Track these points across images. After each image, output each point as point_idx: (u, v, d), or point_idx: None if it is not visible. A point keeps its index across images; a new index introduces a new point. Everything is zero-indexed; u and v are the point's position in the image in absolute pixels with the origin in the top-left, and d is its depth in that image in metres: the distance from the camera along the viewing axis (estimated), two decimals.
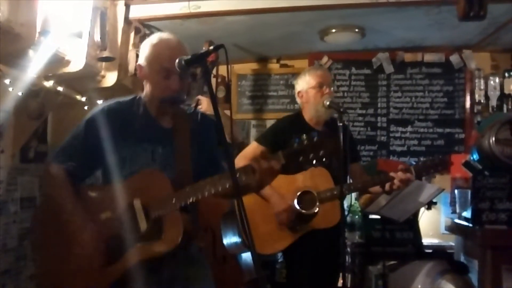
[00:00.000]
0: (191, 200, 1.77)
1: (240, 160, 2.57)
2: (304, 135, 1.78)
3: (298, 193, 2.76)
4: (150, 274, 1.81)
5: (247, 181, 1.76)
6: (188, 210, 1.84)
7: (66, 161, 1.88)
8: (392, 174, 2.62)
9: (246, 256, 3.28)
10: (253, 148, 2.92)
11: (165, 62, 1.82)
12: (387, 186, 2.64)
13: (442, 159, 2.65)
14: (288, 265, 2.94)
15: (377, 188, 2.77)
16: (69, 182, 1.87)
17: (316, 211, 2.72)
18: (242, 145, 3.09)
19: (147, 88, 1.94)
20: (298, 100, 3.04)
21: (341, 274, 2.82)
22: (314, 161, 1.75)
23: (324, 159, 1.76)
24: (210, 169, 1.94)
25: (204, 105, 3.28)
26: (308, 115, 2.93)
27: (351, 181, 2.89)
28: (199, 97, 3.33)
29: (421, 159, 4.35)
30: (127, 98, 2.02)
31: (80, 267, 1.80)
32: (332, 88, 2.93)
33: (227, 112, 4.08)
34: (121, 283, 1.78)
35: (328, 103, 2.76)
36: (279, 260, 3.87)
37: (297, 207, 2.74)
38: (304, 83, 2.95)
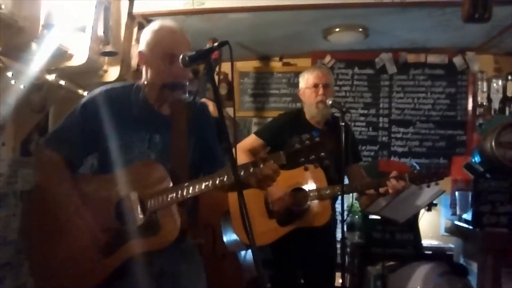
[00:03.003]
0: (189, 195, 1.75)
1: (238, 151, 2.57)
2: (307, 135, 1.77)
3: (291, 189, 2.76)
4: (141, 267, 1.78)
5: (247, 180, 1.76)
6: (185, 204, 1.81)
7: (60, 146, 1.85)
8: (384, 179, 2.61)
9: (247, 254, 3.28)
10: (251, 140, 2.93)
11: (168, 47, 1.81)
12: (381, 190, 2.64)
13: (437, 169, 2.65)
14: (276, 261, 2.91)
15: (372, 191, 2.77)
16: (65, 167, 1.83)
17: (306, 208, 2.73)
18: None
19: (147, 74, 1.90)
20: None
21: (340, 274, 2.83)
22: (314, 162, 1.76)
23: (324, 160, 1.76)
24: (207, 159, 1.94)
25: (210, 108, 3.28)
26: (308, 114, 2.93)
27: (347, 182, 2.90)
28: (204, 100, 3.32)
29: (422, 160, 4.37)
30: (124, 83, 1.99)
31: (75, 257, 1.76)
32: (330, 89, 2.91)
33: (230, 110, 4.08)
34: (112, 276, 1.76)
35: (330, 102, 2.76)
36: None
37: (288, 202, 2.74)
38: (303, 82, 2.97)
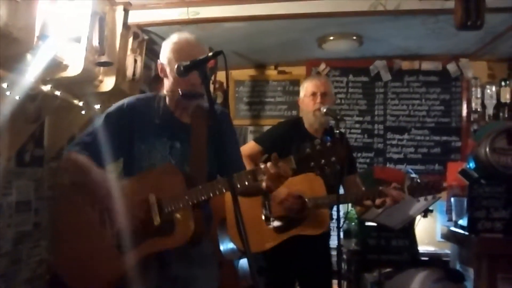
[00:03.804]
0: (203, 198, 1.81)
1: None
2: (317, 139, 1.79)
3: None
4: (157, 269, 1.87)
5: (256, 184, 1.82)
6: (201, 207, 1.88)
7: (83, 152, 1.91)
8: (385, 189, 2.62)
9: (243, 262, 3.28)
10: (250, 147, 2.94)
11: (184, 58, 1.84)
12: (377, 201, 2.65)
13: (436, 182, 2.66)
14: (269, 268, 2.88)
15: (368, 202, 2.77)
16: (91, 160, 1.90)
17: (305, 216, 2.73)
18: None
19: (167, 85, 1.99)
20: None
21: (336, 281, 2.83)
22: (325, 167, 1.77)
23: (335, 166, 1.77)
24: (227, 165, 1.97)
25: None
26: (306, 122, 2.94)
27: (344, 191, 2.90)
28: None
29: (418, 166, 4.38)
30: (148, 94, 2.11)
31: (95, 253, 1.86)
32: (329, 98, 2.91)
33: None
34: (129, 275, 1.81)
35: (324, 110, 2.77)
36: None
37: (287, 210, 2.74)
38: (302, 91, 2.98)
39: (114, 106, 2.02)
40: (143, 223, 1.83)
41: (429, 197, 2.71)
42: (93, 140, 1.94)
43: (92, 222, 1.88)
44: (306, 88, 2.94)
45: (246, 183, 1.80)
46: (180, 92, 1.91)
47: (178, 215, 1.82)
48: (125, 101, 2.02)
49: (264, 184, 1.83)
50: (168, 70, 1.95)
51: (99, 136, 1.93)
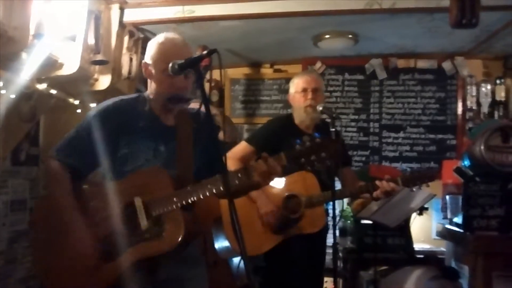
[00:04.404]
0: (192, 199, 1.77)
1: (229, 159, 2.58)
2: (307, 136, 1.79)
3: (284, 196, 2.76)
4: (146, 273, 1.82)
5: (247, 182, 1.79)
6: (189, 209, 1.84)
7: (68, 156, 1.88)
8: (377, 182, 2.62)
9: (238, 261, 3.27)
10: (242, 147, 2.93)
11: (169, 60, 1.80)
12: (375, 193, 2.65)
13: (429, 171, 2.67)
14: (270, 268, 2.91)
15: (366, 194, 2.78)
16: (68, 180, 1.86)
17: (301, 215, 2.73)
18: (235, 145, 3.09)
19: (152, 86, 1.94)
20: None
21: (329, 279, 2.84)
22: (316, 163, 1.77)
23: (325, 161, 1.76)
24: (213, 167, 1.94)
25: None
26: (297, 118, 2.95)
27: (340, 186, 2.91)
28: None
29: (413, 164, 4.40)
30: (132, 95, 2.03)
31: (76, 265, 1.78)
32: (320, 93, 2.93)
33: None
34: (118, 282, 1.77)
35: (320, 109, 2.77)
36: None
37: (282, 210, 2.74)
38: (293, 87, 2.99)
39: (99, 108, 1.95)
40: (130, 227, 1.77)
41: (425, 192, 2.71)
42: (77, 145, 1.89)
43: (72, 233, 1.79)
44: (297, 84, 2.95)
45: (237, 181, 1.78)
46: (166, 96, 1.88)
47: (166, 218, 1.77)
48: (109, 102, 1.95)
49: (254, 181, 1.80)
50: (153, 71, 1.90)
51: (84, 140, 1.88)
